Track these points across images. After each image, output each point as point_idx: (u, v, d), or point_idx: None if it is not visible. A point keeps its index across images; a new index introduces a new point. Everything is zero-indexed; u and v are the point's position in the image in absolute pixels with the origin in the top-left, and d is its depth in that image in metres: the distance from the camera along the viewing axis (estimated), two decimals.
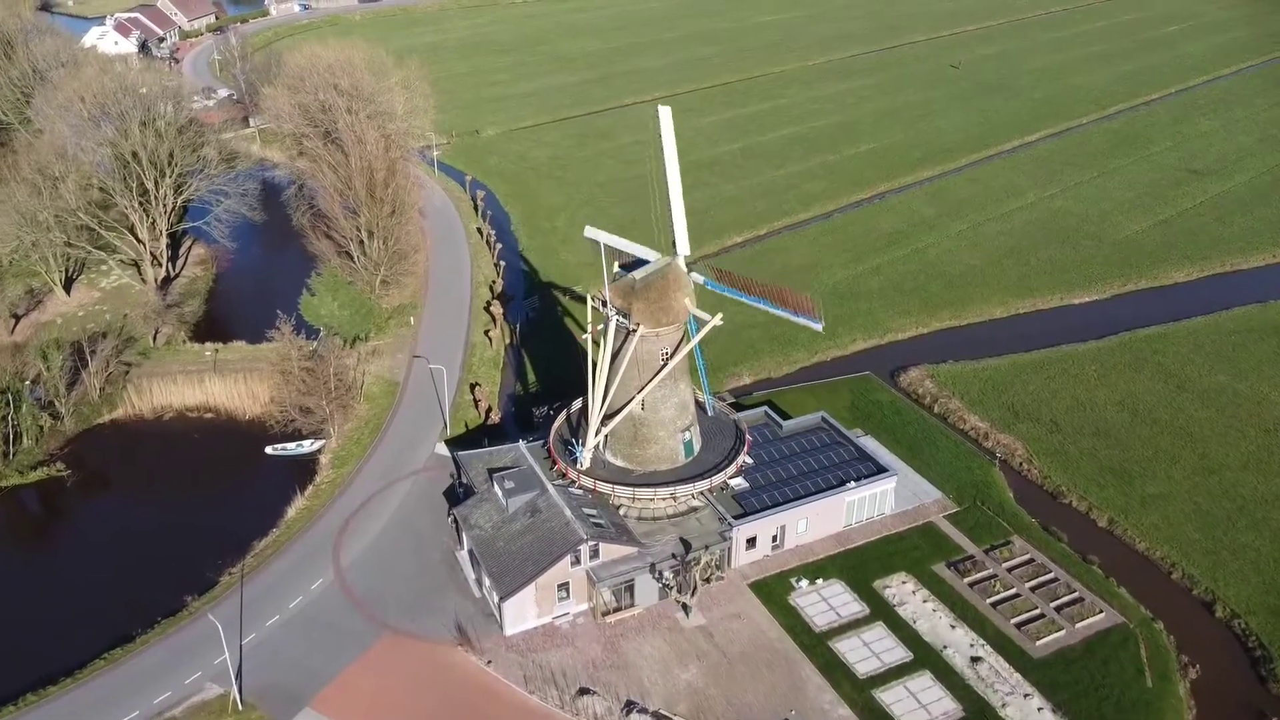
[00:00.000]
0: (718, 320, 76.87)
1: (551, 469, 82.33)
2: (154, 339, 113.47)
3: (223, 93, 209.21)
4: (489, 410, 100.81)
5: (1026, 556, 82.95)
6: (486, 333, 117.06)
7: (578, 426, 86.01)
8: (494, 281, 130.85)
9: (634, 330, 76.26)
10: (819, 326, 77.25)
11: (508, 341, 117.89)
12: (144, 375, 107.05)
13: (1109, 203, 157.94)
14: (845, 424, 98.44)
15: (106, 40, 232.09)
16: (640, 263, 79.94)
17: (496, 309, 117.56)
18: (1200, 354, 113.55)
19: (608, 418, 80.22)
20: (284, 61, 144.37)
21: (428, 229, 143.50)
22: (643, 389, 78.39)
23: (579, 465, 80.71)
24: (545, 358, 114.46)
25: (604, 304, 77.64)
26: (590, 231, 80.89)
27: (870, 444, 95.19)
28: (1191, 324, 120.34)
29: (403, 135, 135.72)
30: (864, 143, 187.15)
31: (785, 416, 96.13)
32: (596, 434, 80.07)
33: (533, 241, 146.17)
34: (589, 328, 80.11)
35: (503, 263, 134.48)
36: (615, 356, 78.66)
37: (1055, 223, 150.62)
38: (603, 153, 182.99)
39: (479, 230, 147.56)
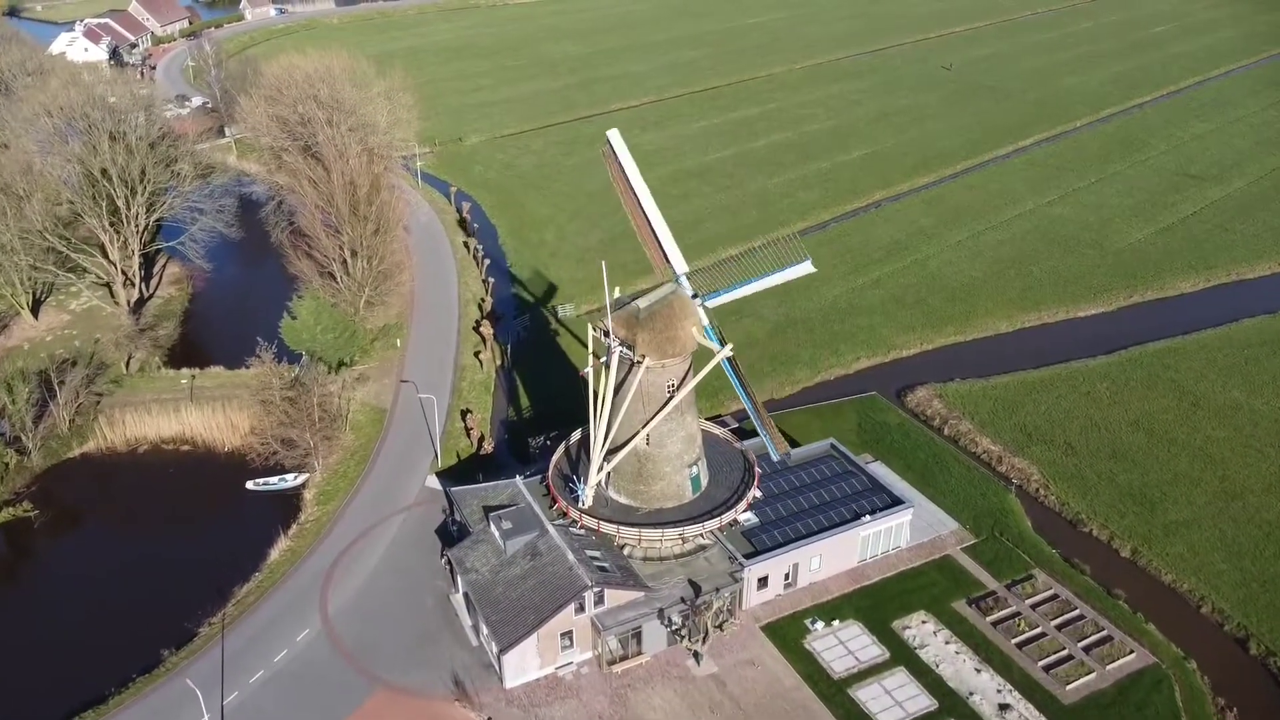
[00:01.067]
0: (728, 351, 72.58)
1: (551, 507, 77.86)
2: (127, 365, 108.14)
3: (197, 101, 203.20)
4: (481, 439, 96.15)
5: (1050, 592, 79.19)
6: (477, 354, 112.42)
7: (577, 460, 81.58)
8: (483, 299, 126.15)
9: (639, 362, 71.89)
10: (809, 264, 72.48)
11: (498, 363, 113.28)
12: (116, 405, 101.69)
13: (1108, 210, 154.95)
14: (853, 448, 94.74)
15: (76, 47, 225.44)
16: (641, 293, 75.54)
17: (486, 329, 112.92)
18: (1213, 369, 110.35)
19: (610, 453, 75.80)
20: (261, 71, 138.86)
21: (412, 243, 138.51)
22: (648, 423, 74.02)
23: (580, 504, 76.26)
24: (539, 380, 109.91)
25: (606, 334, 73.14)
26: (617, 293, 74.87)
27: (881, 471, 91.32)
28: (1201, 337, 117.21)
29: (386, 148, 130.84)
30: (857, 149, 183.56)
31: (792, 443, 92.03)
32: (599, 471, 75.63)
33: (521, 255, 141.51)
34: (589, 360, 75.41)
35: (491, 279, 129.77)
36: (618, 389, 74.24)
37: (1055, 231, 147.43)
38: (590, 161, 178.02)
39: (465, 244, 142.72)
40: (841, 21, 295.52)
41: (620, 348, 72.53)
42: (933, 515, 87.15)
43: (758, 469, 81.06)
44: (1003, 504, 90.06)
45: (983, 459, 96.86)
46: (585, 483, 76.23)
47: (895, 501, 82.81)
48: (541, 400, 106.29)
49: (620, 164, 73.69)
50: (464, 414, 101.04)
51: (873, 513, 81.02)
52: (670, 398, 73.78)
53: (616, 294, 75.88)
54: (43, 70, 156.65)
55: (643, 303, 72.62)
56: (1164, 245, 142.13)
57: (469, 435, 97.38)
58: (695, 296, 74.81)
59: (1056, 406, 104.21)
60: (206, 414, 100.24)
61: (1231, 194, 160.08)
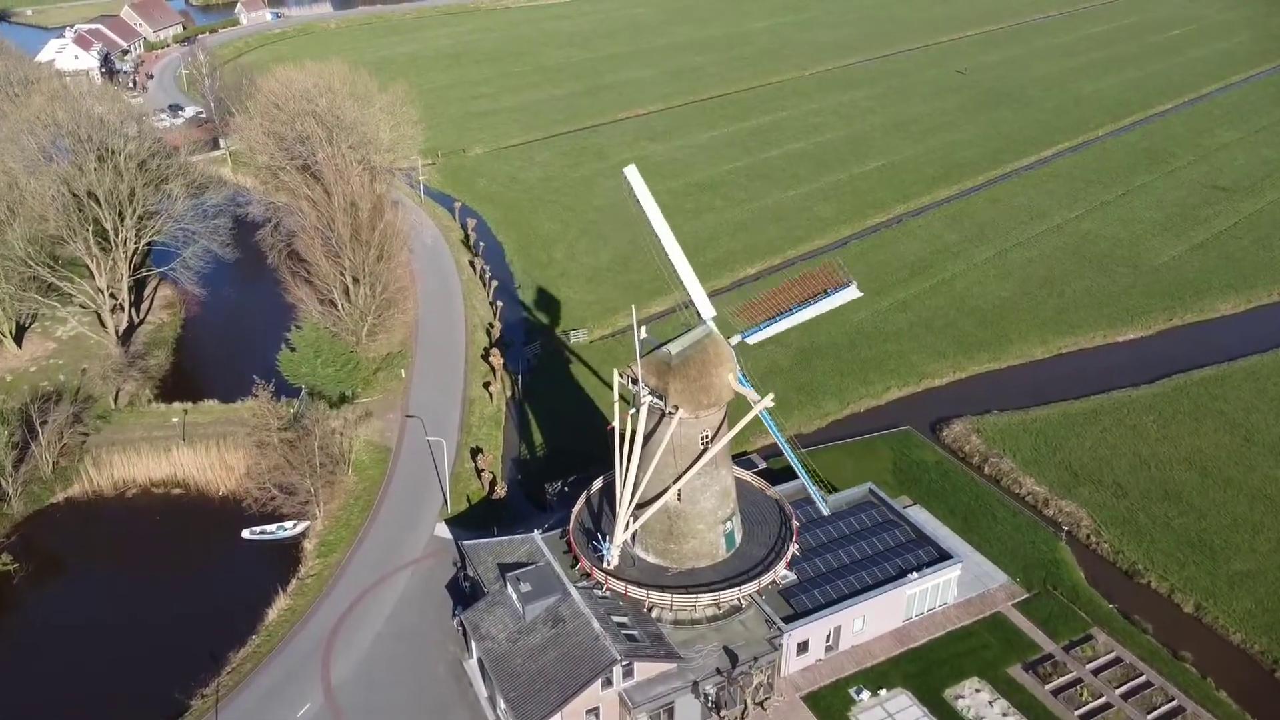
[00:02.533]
0: (768, 401, 66.45)
1: (573, 567, 71.71)
2: (115, 400, 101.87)
3: (190, 110, 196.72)
4: (493, 482, 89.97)
5: (1112, 654, 73.24)
6: (486, 385, 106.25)
7: (600, 513, 75.46)
8: (490, 324, 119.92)
9: (670, 413, 65.76)
10: (855, 288, 66.98)
11: (509, 394, 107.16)
12: (103, 444, 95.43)
13: (1139, 225, 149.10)
14: (889, 490, 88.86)
15: (66, 54, 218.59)
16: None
17: (495, 359, 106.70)
18: (1263, 399, 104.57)
19: (638, 508, 69.64)
20: (257, 85, 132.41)
21: (415, 263, 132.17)
22: (679, 478, 67.93)
23: (605, 563, 70.14)
24: (552, 413, 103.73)
25: (634, 381, 67.00)
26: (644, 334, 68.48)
27: (921, 517, 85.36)
28: (1248, 364, 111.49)
29: (389, 167, 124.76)
30: (873, 159, 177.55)
31: (828, 488, 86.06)
32: (625, 529, 69.51)
33: (530, 276, 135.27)
34: (614, 408, 69.18)
35: (499, 302, 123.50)
36: (647, 440, 68.10)
37: (1086, 248, 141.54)
38: (598, 173, 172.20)
39: (471, 264, 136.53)
40: (848, 25, 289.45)
41: (650, 397, 66.38)
42: (980, 567, 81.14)
43: (795, 521, 74.94)
44: (1053, 553, 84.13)
45: (1028, 501, 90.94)
46: (610, 541, 70.10)
47: (943, 555, 76.77)
48: (556, 436, 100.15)
49: (640, 204, 67.55)
50: (474, 453, 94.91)
51: (920, 569, 75.03)
52: (704, 450, 67.68)
53: (644, 334, 69.46)
54: (28, 81, 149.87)
55: (674, 347, 66.47)
56: (1200, 263, 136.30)
57: (479, 477, 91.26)
58: (730, 338, 68.73)
59: (1102, 442, 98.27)
60: (199, 454, 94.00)
61: (1265, 208, 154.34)
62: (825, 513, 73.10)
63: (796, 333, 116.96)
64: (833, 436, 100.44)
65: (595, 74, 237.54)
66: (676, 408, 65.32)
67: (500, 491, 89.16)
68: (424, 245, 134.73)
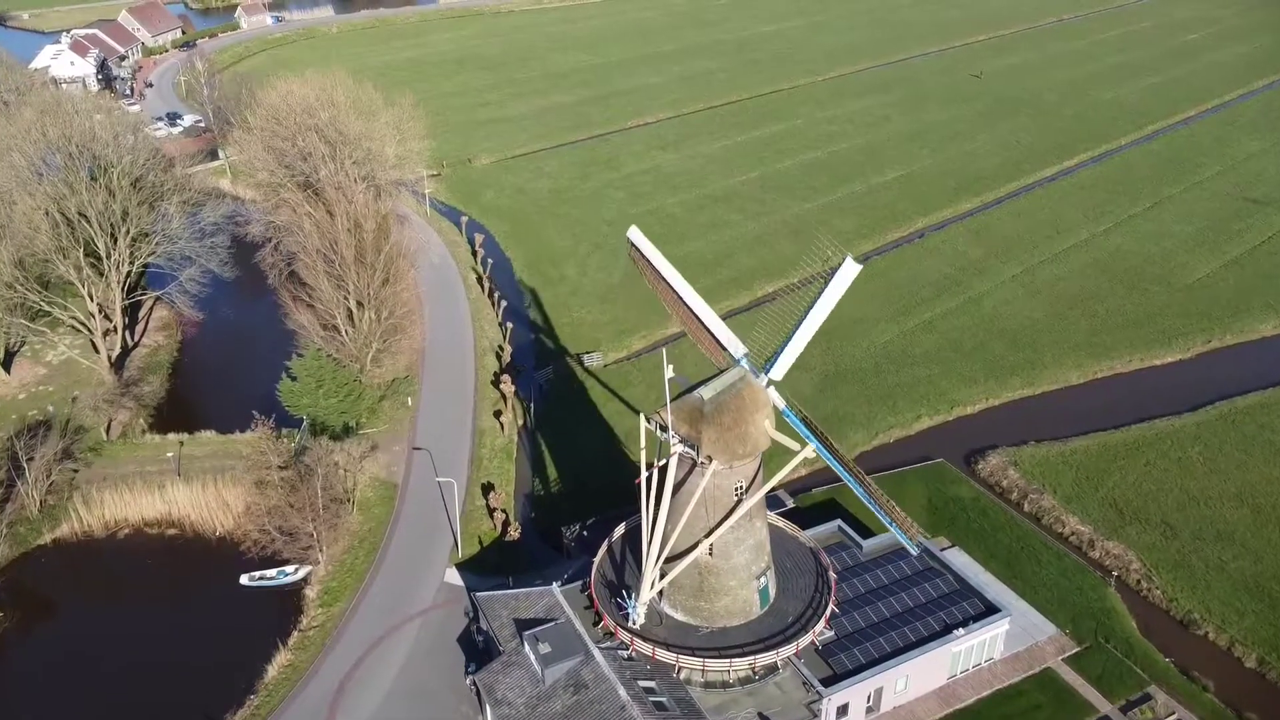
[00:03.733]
0: (809, 452, 61.42)
1: (596, 625, 66.74)
2: (107, 431, 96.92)
3: (188, 119, 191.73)
4: (506, 522, 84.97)
5: (1174, 717, 68.22)
6: (497, 414, 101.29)
7: (623, 562, 70.52)
8: (500, 346, 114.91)
9: (703, 464, 60.78)
10: (851, 262, 60.53)
11: (521, 423, 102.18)
12: (94, 480, 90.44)
13: (1169, 240, 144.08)
14: (925, 529, 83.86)
15: (61, 60, 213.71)
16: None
17: (506, 386, 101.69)
18: None
19: (666, 562, 64.68)
20: (256, 96, 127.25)
21: (422, 281, 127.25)
22: (712, 532, 62.97)
23: (631, 623, 65.16)
24: (566, 445, 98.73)
25: (663, 429, 62.02)
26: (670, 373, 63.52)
27: (961, 560, 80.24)
28: None
29: (394, 185, 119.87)
30: (891, 170, 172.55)
31: (861, 530, 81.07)
32: (653, 586, 64.52)
33: (540, 294, 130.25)
34: (641, 457, 64.15)
35: (509, 323, 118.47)
36: (676, 490, 63.13)
37: (1115, 264, 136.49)
38: (608, 184, 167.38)
39: (479, 282, 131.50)
40: (859, 30, 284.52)
41: (681, 446, 61.39)
42: (1026, 617, 75.95)
43: (833, 573, 69.91)
44: (1103, 601, 79.07)
45: (1072, 542, 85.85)
46: (636, 598, 65.12)
47: (989, 608, 71.71)
48: (571, 469, 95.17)
49: (650, 262, 63.11)
50: (485, 490, 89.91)
51: (966, 624, 70.00)
52: (738, 503, 62.71)
53: (671, 372, 64.34)
54: (20, 90, 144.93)
55: (707, 392, 61.43)
56: (1236, 281, 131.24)
57: (492, 517, 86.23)
58: (765, 377, 63.72)
59: (1147, 476, 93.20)
60: (195, 491, 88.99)
61: None
62: (914, 553, 67.75)
63: (818, 356, 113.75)
64: (863, 470, 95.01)
65: (603, 80, 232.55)
66: (710, 458, 60.33)
67: (514, 533, 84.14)
68: (430, 264, 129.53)
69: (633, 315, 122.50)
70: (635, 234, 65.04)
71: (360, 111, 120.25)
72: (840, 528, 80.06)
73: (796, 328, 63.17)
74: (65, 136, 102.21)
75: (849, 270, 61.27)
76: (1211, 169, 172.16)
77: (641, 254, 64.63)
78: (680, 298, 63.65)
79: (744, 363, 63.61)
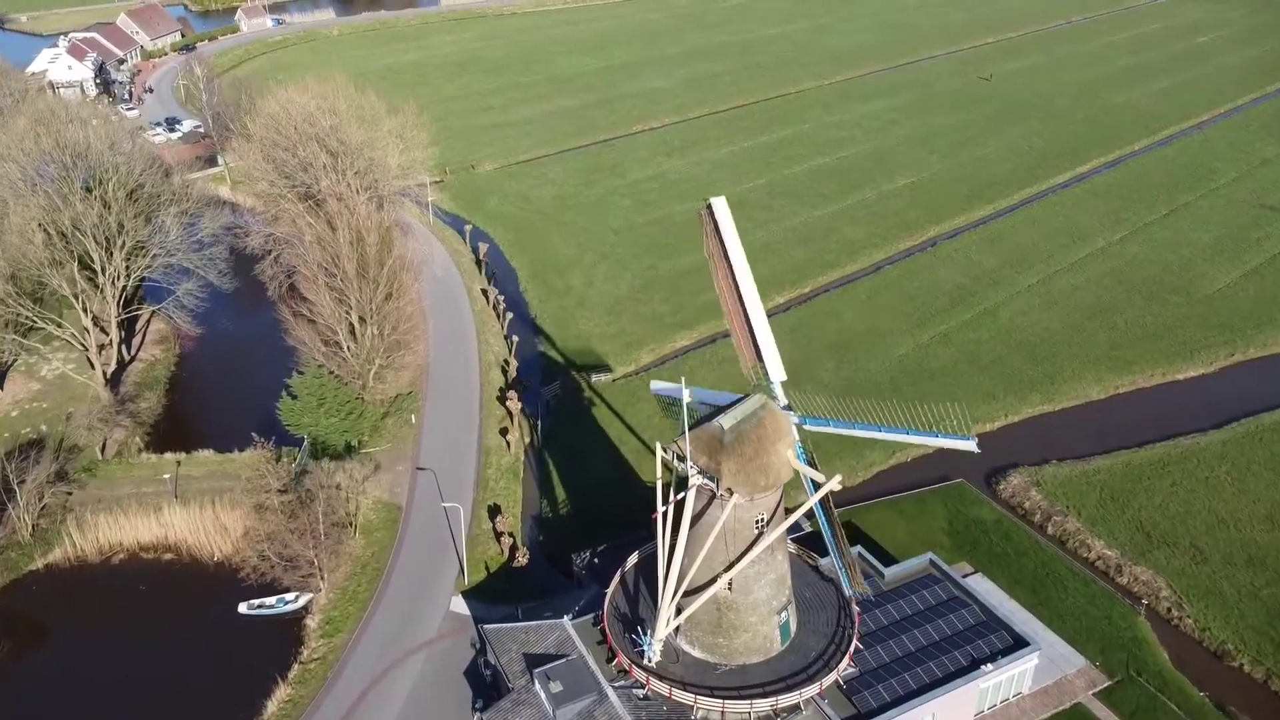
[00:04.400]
0: (835, 484, 58.58)
1: (609, 662, 63.92)
2: (102, 450, 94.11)
3: (187, 124, 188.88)
4: (514, 548, 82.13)
5: None
6: (503, 432, 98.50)
7: (636, 594, 67.68)
8: (506, 360, 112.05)
9: (723, 496, 57.96)
10: (974, 444, 57.84)
11: (527, 441, 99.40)
12: (88, 502, 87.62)
13: (1187, 248, 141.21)
14: (947, 555, 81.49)
15: (59, 65, 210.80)
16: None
17: (513, 403, 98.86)
18: None
19: (683, 596, 61.85)
20: (256, 103, 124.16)
21: (424, 291, 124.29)
22: (731, 566, 60.14)
23: (646, 660, 62.33)
24: (575, 464, 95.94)
25: (681, 459, 59.19)
26: (657, 386, 61.24)
27: (985, 587, 77.59)
28: None
29: (398, 192, 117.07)
30: (901, 176, 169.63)
31: (882, 557, 78.26)
32: (669, 623, 61.67)
33: (546, 305, 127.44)
34: (656, 488, 61.24)
35: (514, 337, 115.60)
36: (694, 522, 60.31)
37: (1133, 274, 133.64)
38: (614, 191, 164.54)
39: (484, 292, 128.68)
40: (864, 32, 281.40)
41: (699, 477, 58.59)
42: (1054, 648, 73.19)
43: (856, 606, 67.02)
44: (1132, 630, 76.38)
45: (1098, 567, 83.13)
46: (652, 634, 62.29)
47: (1018, 641, 68.92)
48: (579, 490, 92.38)
49: (722, 239, 59.98)
50: (492, 512, 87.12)
51: (994, 658, 67.19)
52: (759, 536, 59.89)
53: (688, 396, 61.52)
54: (15, 95, 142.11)
55: (727, 420, 58.56)
56: (1257, 291, 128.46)
57: (499, 541, 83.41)
58: (789, 409, 61.00)
59: (1173, 497, 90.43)
60: (193, 513, 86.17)
61: None
62: (846, 592, 64.83)
63: (832, 369, 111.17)
64: (880, 490, 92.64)
65: (608, 84, 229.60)
66: (730, 491, 57.50)
67: (521, 559, 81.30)
68: (434, 275, 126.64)
69: (640, 328, 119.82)
70: (720, 206, 60.44)
71: (362, 119, 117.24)
72: (861, 554, 77.14)
73: (865, 428, 60.72)
74: (59, 146, 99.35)
75: (963, 445, 57.71)
76: (1227, 175, 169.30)
77: (718, 230, 60.36)
78: (740, 296, 60.41)
79: (778, 390, 60.89)
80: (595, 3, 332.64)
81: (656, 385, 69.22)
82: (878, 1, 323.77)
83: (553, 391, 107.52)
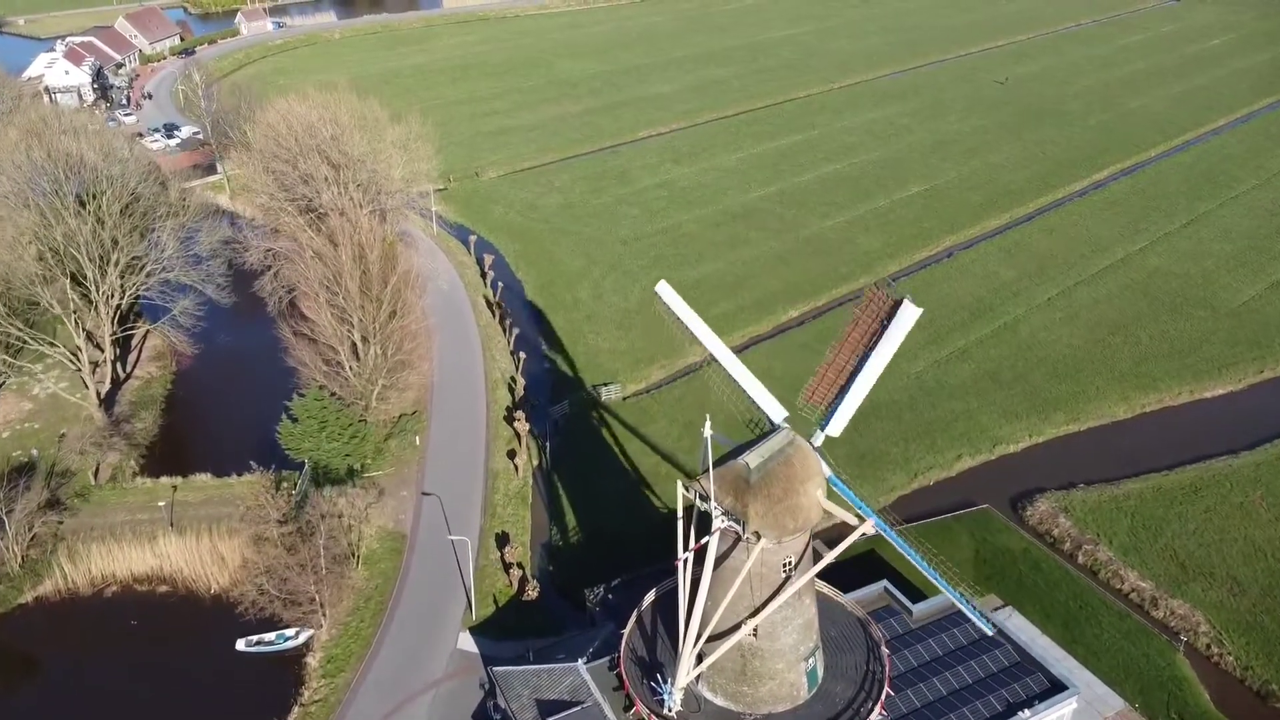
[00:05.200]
0: (869, 528, 55.18)
1: (627, 710, 60.56)
2: (95, 475, 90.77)
3: (186, 131, 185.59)
4: (524, 580, 78.78)
5: None
6: (510, 454, 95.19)
7: (654, 635, 64.31)
8: (513, 378, 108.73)
9: (749, 540, 54.60)
10: (910, 304, 56.01)
11: (536, 463, 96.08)
12: (80, 530, 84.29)
13: (1209, 259, 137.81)
14: (974, 587, 77.64)
15: (56, 69, 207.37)
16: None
17: (521, 424, 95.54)
18: None
19: (706, 642, 58.48)
20: (256, 113, 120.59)
21: (428, 306, 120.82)
22: (757, 613, 56.76)
23: (667, 710, 58.96)
24: (585, 489, 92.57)
25: (704, 498, 55.82)
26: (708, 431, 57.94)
27: (1017, 623, 74.20)
28: None
29: (402, 204, 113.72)
30: (914, 183, 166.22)
31: (908, 591, 74.85)
32: (689, 672, 58.29)
33: (553, 319, 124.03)
34: (677, 529, 57.83)
35: (521, 353, 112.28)
36: (718, 564, 56.93)
37: (1155, 286, 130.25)
38: (621, 200, 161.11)
39: (490, 306, 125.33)
40: (873, 35, 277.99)
41: (724, 519, 55.22)
42: (1091, 689, 69.70)
43: (885, 647, 63.65)
44: (1171, 668, 73.10)
45: (1133, 600, 79.78)
46: (672, 682, 58.91)
47: (1055, 684, 65.54)
48: (590, 516, 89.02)
49: (681, 322, 57.92)
50: (500, 541, 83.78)
51: (1031, 704, 63.81)
52: (787, 580, 56.51)
53: (708, 430, 58.19)
54: (6, 104, 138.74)
55: (753, 458, 55.19)
56: None
57: (508, 573, 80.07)
58: (821, 434, 57.74)
59: (1208, 524, 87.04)
60: (189, 543, 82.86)
61: None
62: (989, 632, 61.03)
63: None
64: (901, 515, 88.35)
65: (613, 88, 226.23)
66: (758, 535, 54.12)
67: (531, 592, 77.92)
68: (437, 287, 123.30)
69: (651, 343, 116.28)
70: (665, 289, 59.09)
71: (365, 128, 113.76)
72: (887, 589, 73.91)
73: (852, 379, 57.59)
74: (51, 158, 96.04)
75: (909, 314, 55.68)
76: (1247, 183, 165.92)
77: (671, 313, 58.80)
78: (715, 359, 58.12)
79: (784, 428, 57.73)
80: (598, 5, 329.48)
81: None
82: (885, 4, 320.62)
83: (561, 410, 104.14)
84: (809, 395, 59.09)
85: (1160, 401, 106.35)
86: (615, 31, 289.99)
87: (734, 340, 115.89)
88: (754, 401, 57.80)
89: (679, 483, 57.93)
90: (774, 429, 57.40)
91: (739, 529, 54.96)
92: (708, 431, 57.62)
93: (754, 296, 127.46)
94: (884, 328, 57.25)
